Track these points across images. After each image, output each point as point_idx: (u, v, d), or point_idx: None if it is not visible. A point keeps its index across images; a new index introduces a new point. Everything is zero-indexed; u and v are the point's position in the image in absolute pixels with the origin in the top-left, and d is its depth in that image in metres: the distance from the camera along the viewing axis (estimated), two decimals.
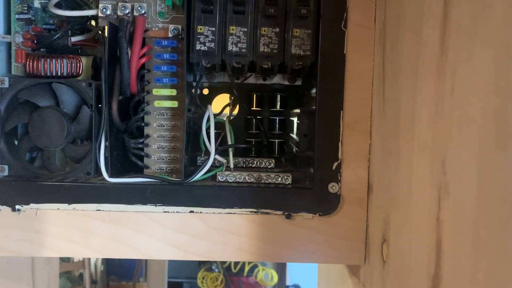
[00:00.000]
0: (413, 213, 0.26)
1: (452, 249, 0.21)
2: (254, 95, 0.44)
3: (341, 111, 0.35)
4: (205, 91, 0.44)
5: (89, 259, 1.68)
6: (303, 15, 0.34)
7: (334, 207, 0.36)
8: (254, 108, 0.44)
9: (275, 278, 1.68)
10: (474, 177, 0.19)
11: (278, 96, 0.44)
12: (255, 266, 1.67)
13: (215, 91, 0.44)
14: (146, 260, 1.52)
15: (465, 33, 0.21)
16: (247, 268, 1.66)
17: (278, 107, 0.44)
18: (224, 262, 1.66)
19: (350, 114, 0.36)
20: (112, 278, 1.86)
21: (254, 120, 0.44)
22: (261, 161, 0.41)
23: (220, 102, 0.44)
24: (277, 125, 0.44)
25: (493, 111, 0.18)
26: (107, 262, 1.76)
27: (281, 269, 1.75)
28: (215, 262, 1.74)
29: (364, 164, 0.36)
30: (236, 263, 1.65)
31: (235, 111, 0.44)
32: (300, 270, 1.74)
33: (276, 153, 0.44)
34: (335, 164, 0.35)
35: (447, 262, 0.22)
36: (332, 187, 0.35)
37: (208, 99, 0.44)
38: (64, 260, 1.79)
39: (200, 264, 1.51)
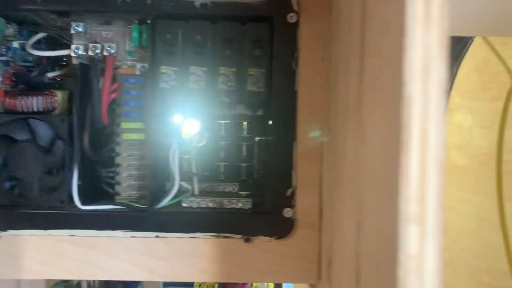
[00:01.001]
0: (344, 242, 0.29)
1: (365, 278, 0.24)
2: (223, 122, 0.47)
3: (294, 142, 0.38)
4: (177, 119, 0.47)
5: None
6: (257, 56, 0.37)
7: (288, 230, 0.38)
8: (223, 135, 0.47)
9: (271, 285, 1.71)
10: (374, 222, 0.23)
11: (245, 124, 0.47)
12: None
13: (191, 121, 0.47)
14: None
15: (371, 89, 0.24)
16: None
17: (245, 133, 0.47)
18: None
19: (303, 144, 0.39)
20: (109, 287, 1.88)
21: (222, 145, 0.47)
22: (226, 185, 0.44)
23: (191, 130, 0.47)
24: (243, 150, 0.47)
25: (384, 168, 0.21)
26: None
27: None
28: None
29: (316, 190, 0.39)
30: None
31: (205, 139, 0.47)
32: None
33: (244, 176, 0.47)
34: (289, 190, 0.39)
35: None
36: (287, 212, 0.38)
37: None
38: None
39: None
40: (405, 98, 0.19)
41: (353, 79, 0.28)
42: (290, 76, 0.38)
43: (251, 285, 1.72)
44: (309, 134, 0.38)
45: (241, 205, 0.40)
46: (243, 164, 0.47)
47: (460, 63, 0.90)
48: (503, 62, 0.71)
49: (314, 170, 0.39)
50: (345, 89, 0.30)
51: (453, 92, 0.93)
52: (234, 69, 0.38)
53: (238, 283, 1.73)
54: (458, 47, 0.87)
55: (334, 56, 0.35)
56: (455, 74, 0.92)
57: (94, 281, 1.76)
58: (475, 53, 0.85)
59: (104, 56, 0.40)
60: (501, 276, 0.76)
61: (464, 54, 0.88)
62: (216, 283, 1.71)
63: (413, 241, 0.19)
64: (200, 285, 1.70)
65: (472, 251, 0.86)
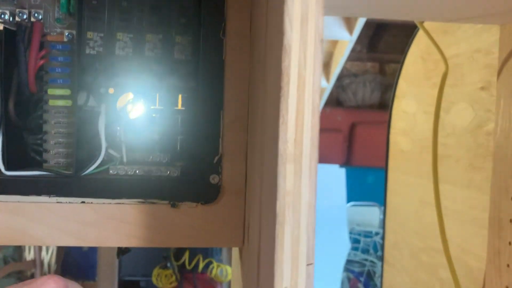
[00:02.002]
0: (255, 199, 0.31)
1: (264, 226, 0.26)
2: (157, 95, 0.47)
3: (221, 111, 0.39)
4: (111, 91, 0.48)
5: (41, 258, 1.67)
6: (184, 23, 0.38)
7: (215, 196, 0.40)
8: (156, 107, 0.48)
9: (230, 274, 1.72)
10: (267, 167, 0.24)
11: (180, 96, 0.47)
12: (210, 262, 1.70)
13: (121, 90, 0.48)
14: (96, 261, 1.53)
15: (269, 46, 0.25)
16: (201, 265, 1.69)
17: (179, 106, 0.47)
18: (178, 259, 1.69)
19: (230, 113, 0.40)
20: (66, 278, 1.85)
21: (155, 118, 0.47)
22: (157, 155, 0.44)
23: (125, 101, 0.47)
24: (177, 122, 0.48)
25: (273, 112, 0.22)
26: (62, 261, 1.75)
27: None
28: (170, 259, 1.76)
29: (242, 158, 0.40)
30: (191, 260, 1.68)
31: (139, 110, 0.47)
32: None
33: (175, 148, 0.47)
34: (216, 158, 0.40)
35: (262, 240, 0.26)
36: (213, 179, 0.39)
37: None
38: (15, 260, 1.78)
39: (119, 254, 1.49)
40: (285, 46, 0.20)
41: (262, 44, 0.29)
42: (218, 45, 0.39)
43: (211, 273, 1.73)
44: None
45: (169, 172, 0.41)
46: (177, 136, 0.48)
47: (407, 52, 0.93)
48: (439, 50, 0.74)
49: (240, 138, 0.40)
50: (259, 53, 0.31)
51: (400, 80, 0.97)
52: (161, 36, 0.38)
53: (197, 272, 1.73)
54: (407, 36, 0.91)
55: (255, 26, 0.36)
56: (403, 63, 0.95)
57: (49, 270, 1.73)
58: (420, 42, 0.89)
59: (32, 23, 0.40)
60: (437, 254, 0.80)
61: (411, 43, 0.92)
62: (174, 273, 1.71)
63: (289, 178, 0.20)
64: (158, 275, 1.70)
65: (413, 232, 0.89)
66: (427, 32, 0.71)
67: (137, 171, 0.41)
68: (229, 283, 1.80)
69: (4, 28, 0.39)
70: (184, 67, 0.39)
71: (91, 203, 0.39)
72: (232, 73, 0.39)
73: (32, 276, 1.76)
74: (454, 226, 0.76)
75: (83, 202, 0.39)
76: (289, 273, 0.20)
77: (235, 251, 0.53)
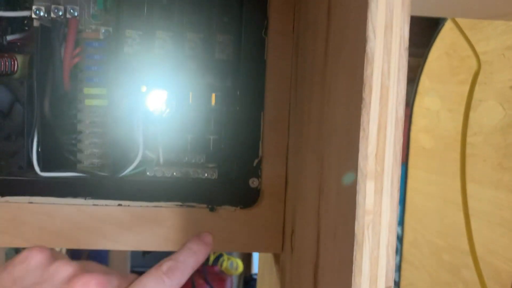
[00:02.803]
0: (307, 208, 0.29)
1: (324, 241, 0.25)
2: (191, 93, 0.46)
3: (262, 112, 0.38)
4: (143, 89, 0.46)
5: None
6: (226, 22, 0.37)
7: (254, 200, 0.38)
8: (191, 106, 0.46)
9: (240, 267, 1.72)
10: (334, 182, 0.23)
11: (213, 95, 0.46)
12: (220, 255, 1.70)
13: (157, 88, 0.46)
14: (108, 252, 1.53)
15: (336, 48, 0.24)
16: (212, 258, 1.69)
17: (214, 104, 0.46)
18: None
19: (270, 114, 0.38)
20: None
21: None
22: (193, 156, 0.43)
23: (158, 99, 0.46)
24: (212, 121, 0.46)
25: (345, 126, 0.21)
26: (72, 253, 1.75)
27: (246, 258, 1.78)
28: None
29: (282, 161, 0.39)
30: None
31: (173, 108, 0.46)
32: None
33: (211, 148, 0.46)
34: (256, 160, 0.38)
35: (322, 253, 0.25)
36: (253, 182, 0.38)
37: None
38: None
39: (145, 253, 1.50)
40: (367, 53, 0.19)
41: (320, 43, 0.27)
42: (260, 45, 0.37)
43: (221, 266, 1.73)
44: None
45: (206, 175, 0.40)
46: (211, 137, 0.47)
47: (430, 48, 0.91)
48: (471, 46, 0.72)
49: (281, 140, 0.38)
50: (312, 54, 0.30)
51: (423, 76, 0.95)
52: (201, 35, 0.37)
53: (207, 265, 1.73)
54: (430, 32, 0.89)
55: (303, 24, 0.34)
56: (426, 59, 0.93)
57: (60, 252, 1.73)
58: (445, 37, 0.87)
59: (67, 19, 0.38)
60: (459, 254, 0.78)
61: (435, 38, 0.89)
62: None
63: (369, 197, 0.19)
64: None
65: (434, 230, 0.88)
66: (458, 27, 0.69)
67: (175, 173, 0.39)
68: (240, 276, 1.80)
69: (40, 24, 0.37)
70: (224, 67, 0.38)
71: (128, 206, 0.38)
72: (274, 73, 0.38)
73: None
74: (480, 226, 0.74)
75: (119, 205, 0.38)
76: None
77: (265, 254, 0.52)
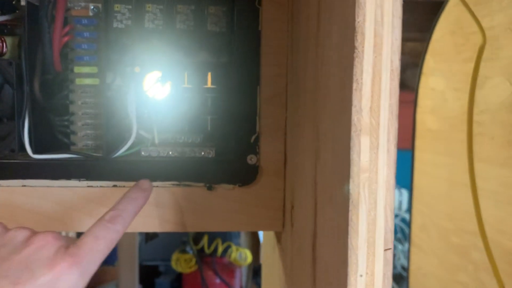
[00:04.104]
0: (304, 179, 0.28)
1: (321, 207, 0.23)
2: (186, 73, 0.45)
3: (258, 87, 0.37)
4: (137, 69, 0.45)
5: None
6: None
7: (252, 178, 0.37)
8: (185, 86, 0.45)
9: (249, 257, 1.71)
10: (330, 142, 0.21)
11: (209, 74, 0.45)
12: (229, 246, 1.69)
13: (149, 67, 0.45)
14: (117, 246, 1.53)
15: (327, 8, 0.22)
16: (220, 249, 1.69)
17: (209, 84, 0.45)
18: (197, 243, 1.68)
19: (267, 89, 0.37)
20: None
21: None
22: (189, 136, 0.42)
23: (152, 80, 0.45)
24: (208, 101, 0.45)
25: (338, 81, 0.20)
26: None
27: (255, 248, 1.78)
28: (189, 243, 1.76)
29: (281, 136, 0.37)
30: (210, 244, 1.67)
31: (167, 89, 0.45)
32: None
33: (208, 128, 0.45)
34: (253, 137, 0.37)
35: (319, 221, 0.24)
36: (251, 159, 0.37)
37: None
38: None
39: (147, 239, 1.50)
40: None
41: (313, 3, 0.26)
42: (253, 15, 0.36)
43: (230, 257, 1.72)
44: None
45: (203, 153, 0.39)
46: (208, 117, 0.46)
47: (435, 26, 0.89)
48: (476, 20, 0.70)
49: (279, 115, 0.37)
50: (306, 19, 0.28)
51: (427, 56, 0.93)
52: (193, 7, 0.35)
53: (216, 256, 1.73)
54: (433, 17, 0.87)
55: None
56: (430, 38, 0.91)
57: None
58: (450, 14, 0.84)
59: None
60: (468, 236, 0.77)
61: (439, 16, 0.87)
62: (193, 257, 1.70)
63: (364, 153, 0.18)
64: (177, 259, 1.70)
65: (442, 213, 0.87)
66: (464, 1, 0.67)
67: (170, 152, 0.38)
68: (249, 266, 1.79)
69: (27, 3, 0.36)
70: (218, 40, 0.37)
71: (124, 186, 0.37)
72: (269, 45, 0.36)
73: None
74: (488, 206, 0.73)
75: (115, 185, 0.37)
76: (364, 261, 0.18)
77: (268, 234, 0.51)
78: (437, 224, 0.89)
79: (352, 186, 0.18)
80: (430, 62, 0.93)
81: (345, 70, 0.19)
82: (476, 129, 0.75)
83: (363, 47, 0.17)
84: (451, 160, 0.85)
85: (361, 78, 0.17)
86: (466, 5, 0.72)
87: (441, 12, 0.87)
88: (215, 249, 1.66)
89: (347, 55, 0.18)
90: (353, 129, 0.18)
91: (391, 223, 0.18)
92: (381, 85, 0.18)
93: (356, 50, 0.17)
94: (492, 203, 0.72)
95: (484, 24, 0.74)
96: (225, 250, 1.68)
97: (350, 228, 0.18)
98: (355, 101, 0.18)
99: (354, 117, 0.18)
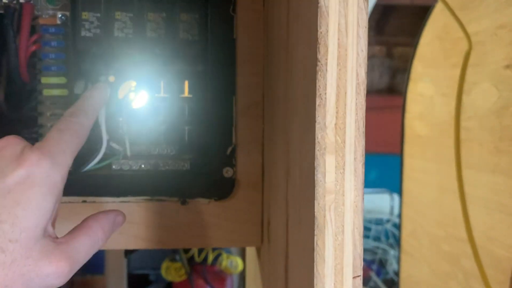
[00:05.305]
0: (278, 195, 0.27)
1: (291, 227, 0.22)
2: (162, 82, 0.43)
3: (234, 96, 0.35)
4: (111, 79, 0.44)
5: None
6: None
7: (229, 191, 0.36)
8: (161, 95, 0.44)
9: (240, 265, 1.69)
10: (297, 159, 0.20)
11: (186, 82, 0.43)
12: (219, 254, 1.68)
13: (122, 77, 0.44)
14: (104, 254, 1.50)
15: (294, 18, 0.21)
16: (211, 257, 1.66)
17: (186, 93, 0.43)
18: (187, 252, 1.66)
19: (243, 99, 0.36)
20: (76, 272, 1.82)
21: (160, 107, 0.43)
22: (164, 147, 0.40)
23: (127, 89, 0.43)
24: (186, 111, 0.44)
25: (303, 95, 0.18)
26: None
27: (246, 256, 1.76)
28: (178, 252, 1.74)
29: (258, 148, 0.36)
30: (200, 252, 1.65)
31: (143, 98, 0.43)
32: None
33: (183, 139, 0.43)
34: (229, 148, 0.36)
35: (290, 241, 0.22)
36: (227, 172, 0.36)
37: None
38: None
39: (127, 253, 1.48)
40: (321, 7, 0.16)
41: (283, 11, 0.25)
42: (228, 22, 0.34)
43: (220, 265, 1.70)
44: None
45: (177, 166, 0.37)
46: (186, 127, 0.44)
47: (422, 32, 0.88)
48: (461, 26, 0.70)
49: (256, 126, 0.36)
50: (277, 27, 0.27)
51: (415, 62, 0.92)
52: (164, 14, 0.34)
53: (206, 265, 1.71)
54: (421, 22, 0.86)
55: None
56: (417, 43, 0.90)
57: None
58: (436, 20, 0.84)
59: (21, 4, 0.36)
60: (459, 243, 0.76)
61: (426, 21, 0.87)
62: (183, 265, 1.68)
63: (330, 173, 0.16)
64: (167, 268, 1.67)
65: (433, 220, 0.86)
66: (449, 7, 0.66)
67: (143, 165, 0.37)
68: (240, 274, 1.77)
69: None
70: (191, 49, 0.35)
71: (94, 202, 0.35)
72: (245, 53, 0.35)
73: None
74: (478, 213, 0.72)
75: (84, 201, 0.35)
76: None
77: (251, 248, 0.49)
78: (428, 231, 0.88)
79: (317, 209, 0.16)
80: (418, 67, 0.92)
81: (309, 84, 0.17)
82: (464, 135, 0.75)
83: (326, 59, 0.16)
84: (440, 166, 0.84)
85: (325, 93, 0.16)
86: (451, 11, 0.71)
87: (428, 17, 0.87)
88: (206, 257, 1.64)
89: (310, 68, 0.17)
90: (317, 147, 0.16)
91: (360, 248, 0.17)
92: (347, 100, 0.16)
93: (318, 63, 0.16)
94: (482, 210, 0.71)
95: (470, 29, 0.73)
96: (216, 258, 1.66)
97: (316, 254, 0.16)
98: (318, 118, 0.16)
99: (318, 134, 0.16)
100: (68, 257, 0.26)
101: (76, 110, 0.29)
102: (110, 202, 0.35)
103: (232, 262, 1.83)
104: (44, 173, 0.24)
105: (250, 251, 0.59)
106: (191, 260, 1.82)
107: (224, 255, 1.83)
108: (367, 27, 0.16)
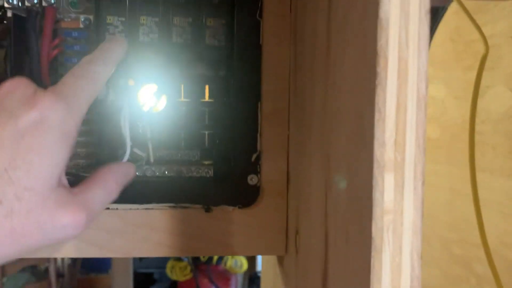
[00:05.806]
0: (312, 206, 0.26)
1: (333, 241, 0.21)
2: (182, 86, 0.43)
3: (259, 103, 0.35)
4: (131, 82, 0.43)
5: None
6: (216, 4, 0.33)
7: (253, 199, 0.35)
8: (182, 100, 0.43)
9: (245, 265, 1.68)
10: (344, 175, 0.19)
11: (207, 87, 0.43)
12: None
13: (144, 81, 0.43)
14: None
15: (339, 28, 0.20)
16: (215, 257, 1.66)
17: (207, 98, 0.43)
18: None
19: (268, 105, 0.35)
20: (80, 271, 1.83)
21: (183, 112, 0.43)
22: (187, 153, 0.40)
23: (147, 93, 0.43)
24: (206, 116, 0.43)
25: (354, 108, 0.18)
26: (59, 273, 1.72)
27: (251, 256, 1.75)
28: None
29: (283, 155, 0.35)
30: None
31: (163, 103, 0.43)
32: None
33: (206, 144, 0.43)
34: (254, 156, 0.35)
35: (331, 258, 0.22)
36: (251, 179, 0.35)
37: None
38: None
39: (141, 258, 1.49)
40: (381, 19, 0.15)
41: (321, 18, 0.24)
42: (254, 28, 0.34)
43: (225, 264, 1.70)
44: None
45: (201, 172, 0.36)
46: (206, 132, 0.43)
47: (433, 33, 0.88)
48: (478, 29, 0.69)
49: (281, 132, 0.35)
50: (313, 34, 0.26)
51: None
52: (190, 19, 0.33)
53: (211, 264, 1.70)
54: (432, 22, 0.85)
55: (301, 3, 0.31)
56: (429, 45, 0.90)
57: (62, 264, 1.71)
58: (449, 22, 0.83)
59: (43, 7, 0.35)
60: (471, 247, 0.75)
61: (438, 23, 0.86)
62: (188, 265, 1.68)
63: (389, 192, 0.16)
64: (172, 267, 1.67)
65: (445, 224, 0.85)
66: (465, 9, 0.66)
67: (166, 172, 0.36)
68: (244, 274, 1.77)
69: (13, 14, 0.34)
70: (216, 54, 0.35)
71: (117, 209, 0.35)
72: (271, 59, 0.34)
73: (46, 271, 1.73)
74: (492, 217, 0.71)
75: (107, 208, 0.35)
76: None
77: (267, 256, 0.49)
78: (439, 234, 0.87)
79: (374, 230, 0.16)
80: (429, 69, 0.91)
81: (364, 97, 0.17)
82: (477, 138, 0.74)
83: (386, 72, 0.15)
84: (452, 169, 0.83)
85: (384, 108, 0.15)
86: (467, 12, 0.70)
87: (440, 19, 0.86)
88: (211, 257, 1.64)
89: (367, 81, 0.16)
90: (375, 165, 0.16)
91: (418, 269, 0.16)
92: (407, 115, 0.16)
93: (378, 76, 0.15)
94: (496, 215, 0.70)
95: (486, 32, 0.72)
96: (221, 258, 1.66)
97: (372, 276, 0.16)
98: (377, 134, 0.16)
99: (377, 151, 0.16)
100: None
101: (94, 58, 0.27)
102: (133, 209, 0.35)
103: (237, 262, 1.83)
104: (58, 118, 0.23)
105: (268, 259, 0.58)
106: (196, 259, 1.81)
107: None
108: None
